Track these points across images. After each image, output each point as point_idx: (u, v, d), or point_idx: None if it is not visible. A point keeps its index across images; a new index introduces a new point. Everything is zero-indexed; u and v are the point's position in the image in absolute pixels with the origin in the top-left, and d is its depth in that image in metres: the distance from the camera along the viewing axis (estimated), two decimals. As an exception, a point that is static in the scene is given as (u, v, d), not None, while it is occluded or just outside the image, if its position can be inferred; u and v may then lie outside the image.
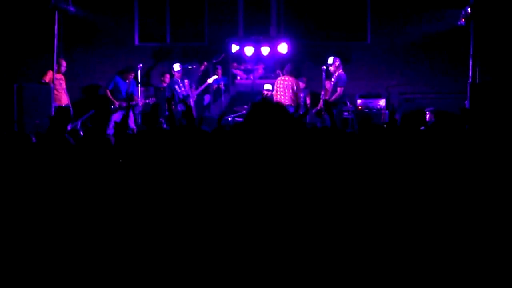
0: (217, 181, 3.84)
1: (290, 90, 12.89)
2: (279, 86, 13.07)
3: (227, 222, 3.62)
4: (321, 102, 13.42)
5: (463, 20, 12.93)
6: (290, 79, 13.00)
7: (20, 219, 3.90)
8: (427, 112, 12.74)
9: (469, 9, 12.40)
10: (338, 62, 12.87)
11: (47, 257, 3.66)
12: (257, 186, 3.67)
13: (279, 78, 13.30)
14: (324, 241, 3.57)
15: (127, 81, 13.74)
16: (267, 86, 14.53)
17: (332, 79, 12.84)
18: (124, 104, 13.35)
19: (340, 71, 12.80)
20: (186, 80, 14.06)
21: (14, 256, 3.67)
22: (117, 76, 13.80)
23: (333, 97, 12.71)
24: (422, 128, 6.69)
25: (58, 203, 4.00)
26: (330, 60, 12.92)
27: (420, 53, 15.60)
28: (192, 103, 13.96)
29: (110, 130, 13.17)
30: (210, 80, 14.14)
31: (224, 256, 3.49)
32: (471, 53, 12.08)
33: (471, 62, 12.02)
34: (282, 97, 12.95)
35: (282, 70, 14.68)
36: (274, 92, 13.22)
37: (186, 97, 13.90)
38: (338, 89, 12.67)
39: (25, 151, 4.84)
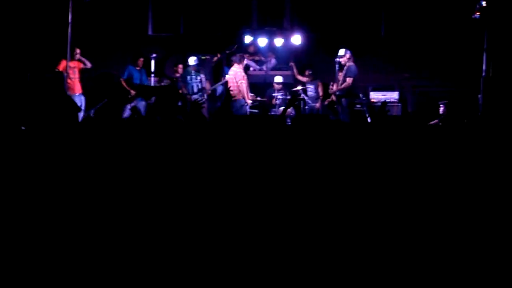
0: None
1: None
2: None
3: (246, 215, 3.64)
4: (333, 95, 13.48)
5: (478, 13, 12.85)
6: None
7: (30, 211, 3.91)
8: (441, 105, 12.71)
9: (484, 3, 12.32)
10: (349, 54, 12.91)
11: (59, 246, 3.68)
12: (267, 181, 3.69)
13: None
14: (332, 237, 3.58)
15: (138, 68, 13.85)
16: (278, 79, 14.60)
17: (343, 71, 12.89)
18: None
19: (351, 63, 12.85)
20: (202, 74, 14.07)
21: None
22: (130, 65, 13.89)
23: (342, 87, 12.80)
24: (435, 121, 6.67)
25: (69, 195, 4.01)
26: (341, 52, 12.99)
27: (434, 46, 15.53)
28: (206, 96, 14.00)
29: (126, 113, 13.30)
30: (228, 77, 14.13)
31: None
32: (485, 46, 12.00)
33: (485, 56, 11.94)
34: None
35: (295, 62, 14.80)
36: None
37: (201, 89, 13.92)
38: (348, 79, 12.76)
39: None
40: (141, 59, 13.96)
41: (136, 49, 14.46)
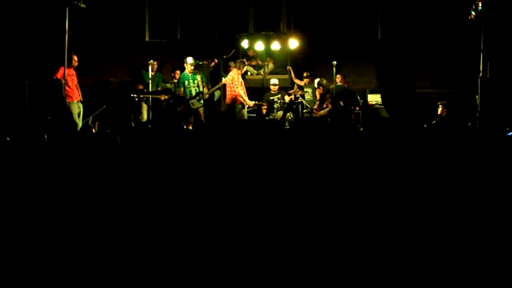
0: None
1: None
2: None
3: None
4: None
5: (474, 14, 12.88)
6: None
7: (31, 214, 3.92)
8: (439, 106, 12.74)
9: (480, 3, 12.35)
10: (321, 85, 13.42)
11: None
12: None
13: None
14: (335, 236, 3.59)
15: (153, 73, 13.83)
16: (274, 81, 14.63)
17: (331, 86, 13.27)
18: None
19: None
20: (198, 77, 13.96)
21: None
22: (142, 70, 13.98)
23: (321, 112, 13.67)
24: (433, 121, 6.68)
25: (70, 199, 4.02)
26: (315, 84, 13.52)
27: (431, 47, 15.57)
28: (203, 101, 13.97)
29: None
30: (224, 80, 14.06)
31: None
32: (481, 47, 12.01)
33: (482, 57, 11.95)
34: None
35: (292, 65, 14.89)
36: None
37: (199, 93, 13.83)
38: (330, 105, 13.25)
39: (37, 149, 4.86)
40: (154, 63, 13.93)
41: (135, 57, 14.49)
